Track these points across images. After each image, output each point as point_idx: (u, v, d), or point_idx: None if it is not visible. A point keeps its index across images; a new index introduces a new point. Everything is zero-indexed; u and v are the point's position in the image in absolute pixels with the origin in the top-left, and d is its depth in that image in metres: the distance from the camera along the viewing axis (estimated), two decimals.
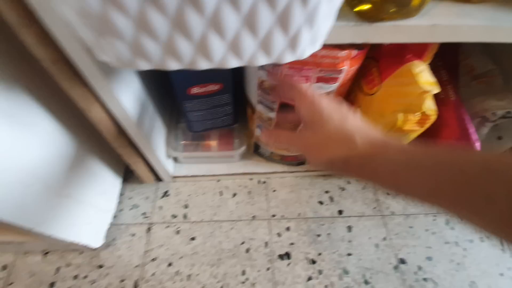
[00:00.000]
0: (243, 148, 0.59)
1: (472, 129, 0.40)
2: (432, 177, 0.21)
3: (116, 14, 0.19)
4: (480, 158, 0.19)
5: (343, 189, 0.65)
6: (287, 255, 0.56)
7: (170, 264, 0.54)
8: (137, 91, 0.42)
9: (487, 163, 0.18)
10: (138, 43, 0.22)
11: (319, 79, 0.39)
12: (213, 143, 0.60)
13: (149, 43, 0.22)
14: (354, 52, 0.35)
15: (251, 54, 0.24)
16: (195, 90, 0.45)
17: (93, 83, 0.33)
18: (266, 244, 0.57)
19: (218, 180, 0.65)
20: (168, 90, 0.59)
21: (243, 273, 0.54)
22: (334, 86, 0.40)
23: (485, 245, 0.58)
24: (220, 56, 0.24)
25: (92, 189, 0.50)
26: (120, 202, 0.61)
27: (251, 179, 0.65)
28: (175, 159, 0.64)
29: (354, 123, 0.27)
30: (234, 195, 0.63)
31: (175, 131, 0.60)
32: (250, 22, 0.21)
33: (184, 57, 0.23)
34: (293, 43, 0.24)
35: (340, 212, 0.61)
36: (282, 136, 0.33)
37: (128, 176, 0.65)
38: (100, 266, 0.54)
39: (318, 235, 0.58)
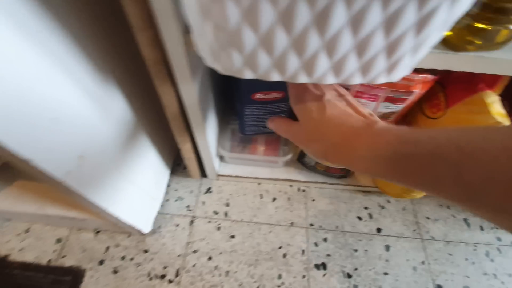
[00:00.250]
0: (289, 156, 0.60)
1: None
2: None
3: (247, 31, 0.21)
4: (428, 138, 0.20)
5: (382, 207, 0.64)
6: (323, 266, 0.57)
7: (210, 258, 0.57)
8: (207, 88, 0.44)
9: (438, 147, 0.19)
10: (253, 57, 0.24)
11: (387, 99, 0.40)
12: (260, 147, 0.62)
13: (263, 57, 0.24)
14: (429, 77, 0.36)
15: (349, 74, 0.26)
16: (259, 96, 0.48)
17: (180, 81, 0.36)
18: (303, 252, 0.58)
19: (259, 183, 0.67)
20: (225, 91, 0.63)
21: (279, 277, 0.55)
22: (400, 107, 0.41)
23: None
24: (321, 73, 0.25)
25: (149, 178, 0.54)
26: (166, 193, 0.65)
27: (291, 186, 0.67)
28: (221, 158, 0.67)
29: (332, 112, 0.27)
30: (274, 199, 0.65)
31: (225, 131, 0.62)
32: (362, 46, 0.23)
33: (288, 71, 0.25)
34: (391, 67, 0.25)
35: (379, 230, 0.61)
36: (283, 124, 0.32)
37: (175, 169, 0.69)
38: (146, 251, 0.57)
39: (355, 250, 0.59)
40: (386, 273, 0.56)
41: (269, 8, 0.20)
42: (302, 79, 0.26)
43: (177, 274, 0.55)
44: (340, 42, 0.22)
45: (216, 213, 0.63)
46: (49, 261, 0.56)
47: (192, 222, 0.61)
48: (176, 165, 0.69)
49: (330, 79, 0.26)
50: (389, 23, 0.21)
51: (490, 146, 0.17)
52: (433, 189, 0.20)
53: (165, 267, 0.56)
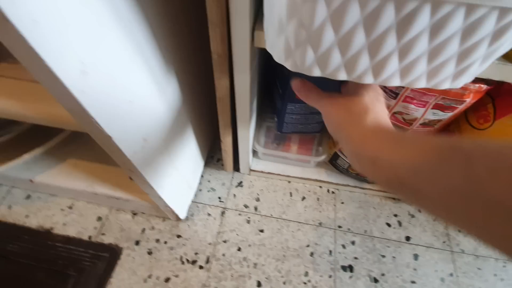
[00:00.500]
0: (323, 157, 0.61)
1: None
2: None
3: (329, 30, 0.23)
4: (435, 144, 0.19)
5: (412, 216, 0.64)
6: (350, 268, 0.57)
7: (239, 249, 0.59)
8: (255, 82, 0.46)
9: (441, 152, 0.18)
10: (327, 56, 0.25)
11: (437, 106, 0.40)
12: (294, 145, 0.63)
13: (336, 56, 0.25)
14: (483, 87, 0.36)
15: (415, 78, 0.27)
16: None
17: (236, 73, 0.38)
18: (331, 252, 0.59)
19: (289, 182, 0.68)
20: (266, 87, 0.64)
21: (306, 274, 0.56)
22: (448, 115, 0.41)
23: None
24: (388, 75, 0.27)
25: (189, 166, 0.56)
26: (200, 183, 0.67)
27: (321, 186, 0.67)
28: (254, 154, 0.68)
29: (379, 110, 0.28)
30: (303, 198, 0.66)
31: (260, 127, 0.64)
32: (435, 52, 0.24)
33: (356, 71, 0.27)
34: (457, 74, 0.26)
35: (408, 238, 0.61)
36: (313, 89, 0.32)
37: (208, 161, 0.71)
38: (179, 236, 0.60)
39: (383, 256, 0.59)
40: (413, 282, 0.56)
41: (357, 10, 0.21)
42: (368, 79, 0.27)
43: (207, 261, 0.57)
44: (416, 46, 0.23)
45: (246, 206, 0.64)
46: (89, 237, 0.60)
47: (223, 213, 0.63)
48: (210, 157, 0.72)
49: (395, 82, 0.27)
50: (468, 31, 0.22)
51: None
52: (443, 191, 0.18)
53: (196, 253, 0.58)
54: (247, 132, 0.51)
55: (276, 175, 0.67)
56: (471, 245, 0.61)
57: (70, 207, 0.63)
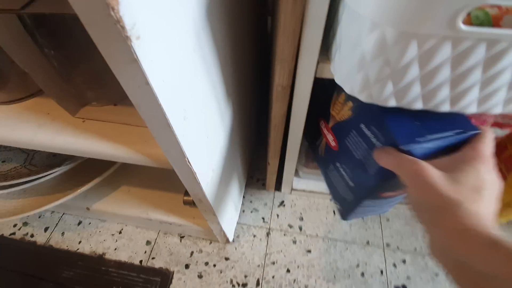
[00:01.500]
0: None
1: None
2: None
3: (415, 68, 0.24)
4: None
5: None
6: None
7: (288, 271, 0.59)
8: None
9: None
10: (406, 89, 0.26)
11: (495, 124, 0.40)
12: None
13: (416, 89, 0.26)
14: None
15: (492, 105, 0.27)
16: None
17: (296, 102, 0.39)
18: (382, 272, 0.58)
19: (331, 200, 0.68)
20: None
21: None
22: (506, 132, 0.41)
23: None
24: (466, 103, 0.27)
25: (237, 189, 0.58)
26: (242, 204, 0.68)
27: None
28: (295, 173, 0.69)
29: (481, 201, 0.22)
30: None
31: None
32: (488, 81, 0.24)
33: (434, 101, 0.27)
34: (509, 100, 0.27)
35: None
36: (394, 155, 0.27)
37: (248, 181, 0.72)
38: (227, 259, 0.60)
39: (436, 274, 0.57)
40: None
41: (449, 50, 0.22)
42: (445, 108, 0.28)
43: (257, 284, 0.57)
44: (499, 79, 0.24)
45: (290, 226, 0.65)
46: (140, 261, 0.61)
47: (268, 234, 0.64)
48: (249, 178, 0.73)
49: (472, 109, 0.28)
50: None
51: None
52: None
53: (245, 276, 0.58)
54: (295, 155, 0.52)
55: (318, 193, 0.68)
56: None
57: (120, 232, 0.65)
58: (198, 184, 0.32)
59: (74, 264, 0.62)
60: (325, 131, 0.43)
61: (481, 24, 0.27)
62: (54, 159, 0.50)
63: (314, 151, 0.49)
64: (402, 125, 0.29)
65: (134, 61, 0.17)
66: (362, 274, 0.58)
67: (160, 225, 0.59)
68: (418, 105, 0.28)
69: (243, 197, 0.69)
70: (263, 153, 0.74)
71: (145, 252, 0.62)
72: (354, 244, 0.62)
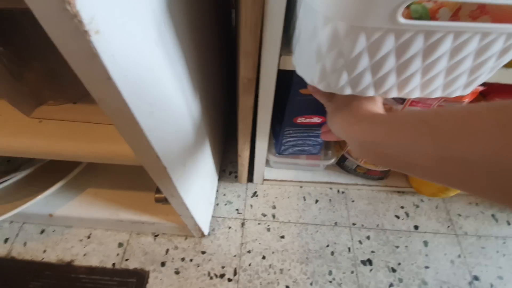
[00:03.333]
0: (333, 160, 0.65)
1: None
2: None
3: (365, 58, 0.26)
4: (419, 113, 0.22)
5: (417, 206, 0.69)
6: (369, 262, 0.61)
7: (264, 257, 0.61)
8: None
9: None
10: (359, 78, 0.29)
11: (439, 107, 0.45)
12: None
13: (367, 78, 0.29)
14: (479, 88, 0.41)
15: (433, 90, 0.31)
16: (301, 119, 0.52)
17: (262, 94, 0.41)
18: (349, 249, 0.62)
19: (301, 187, 0.71)
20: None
21: (330, 273, 0.59)
22: None
23: None
24: (410, 89, 0.31)
25: (209, 182, 0.58)
26: (216, 197, 0.69)
27: (331, 188, 0.71)
28: (266, 163, 0.71)
29: (369, 103, 0.32)
30: (317, 201, 0.69)
31: (270, 137, 0.67)
32: (452, 68, 0.28)
33: (384, 88, 0.30)
34: (468, 84, 0.31)
35: (416, 227, 0.66)
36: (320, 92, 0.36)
37: (220, 175, 0.73)
38: (203, 252, 0.61)
39: (397, 247, 0.63)
40: (427, 267, 0.61)
41: (392, 41, 0.25)
42: (393, 94, 0.31)
43: (235, 273, 0.59)
44: (437, 66, 0.27)
45: (264, 215, 0.67)
46: (113, 264, 0.60)
47: (243, 224, 0.65)
48: (222, 171, 0.74)
49: (416, 94, 0.31)
50: (481, 50, 0.26)
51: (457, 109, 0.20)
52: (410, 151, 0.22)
53: (223, 267, 0.59)
54: (265, 146, 0.54)
55: (288, 182, 0.70)
56: (472, 227, 0.67)
57: (88, 237, 0.63)
58: (170, 179, 0.32)
59: (40, 274, 0.58)
60: None
61: (419, 17, 0.30)
62: (9, 164, 0.46)
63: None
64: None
65: (94, 56, 0.17)
66: (332, 253, 0.62)
67: (132, 225, 0.57)
68: (371, 92, 0.31)
69: (217, 190, 0.70)
70: (234, 147, 0.75)
71: (118, 254, 0.61)
72: (323, 226, 0.65)
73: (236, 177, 0.72)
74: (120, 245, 0.62)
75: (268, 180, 0.70)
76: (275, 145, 0.62)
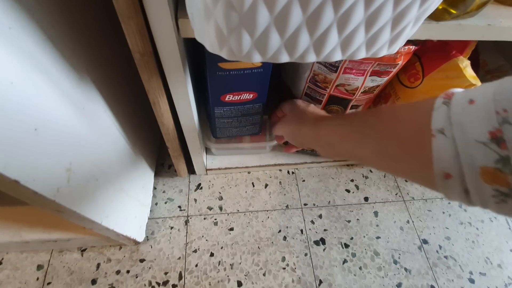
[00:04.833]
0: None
1: None
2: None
3: (262, 9, 0.20)
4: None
5: (366, 177, 0.68)
6: (322, 241, 0.59)
7: (212, 255, 0.56)
8: (192, 78, 0.42)
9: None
10: (264, 38, 0.23)
11: (374, 73, 0.41)
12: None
13: (275, 37, 0.23)
14: (412, 47, 0.38)
15: (355, 49, 0.26)
16: (228, 97, 0.44)
17: (169, 73, 0.33)
18: (302, 231, 0.60)
19: (249, 172, 0.66)
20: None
21: (283, 259, 0.56)
22: (384, 80, 0.43)
23: (494, 224, 0.65)
24: (330, 50, 0.25)
25: (136, 183, 0.50)
26: (154, 196, 0.61)
27: (280, 170, 0.67)
28: (207, 151, 0.64)
29: (311, 109, 0.43)
30: (266, 186, 0.65)
31: (208, 123, 0.60)
32: (371, 19, 0.23)
33: (298, 51, 0.25)
34: (393, 40, 0.26)
35: (366, 199, 0.65)
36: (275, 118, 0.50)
37: (158, 169, 0.65)
38: (142, 260, 0.54)
39: (348, 221, 0.62)
40: (378, 237, 0.61)
41: None
42: (311, 58, 0.26)
43: (180, 277, 0.53)
44: (353, 16, 0.22)
45: (210, 208, 0.61)
46: None
47: (187, 222, 0.59)
48: (159, 166, 0.65)
49: (337, 56, 0.26)
50: None
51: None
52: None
53: (166, 273, 0.53)
54: (194, 132, 0.47)
55: (234, 169, 0.65)
56: (418, 191, 0.68)
57: (0, 263, 0.52)
58: (36, 194, 0.24)
59: None
60: None
61: None
62: None
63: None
64: None
65: None
66: (284, 238, 0.59)
67: (44, 244, 0.48)
68: (285, 58, 0.25)
69: (154, 188, 0.62)
70: None
71: (38, 279, 0.51)
72: (274, 211, 0.62)
73: (176, 171, 0.65)
74: (40, 267, 0.52)
75: (212, 169, 0.63)
76: (211, 130, 0.55)
